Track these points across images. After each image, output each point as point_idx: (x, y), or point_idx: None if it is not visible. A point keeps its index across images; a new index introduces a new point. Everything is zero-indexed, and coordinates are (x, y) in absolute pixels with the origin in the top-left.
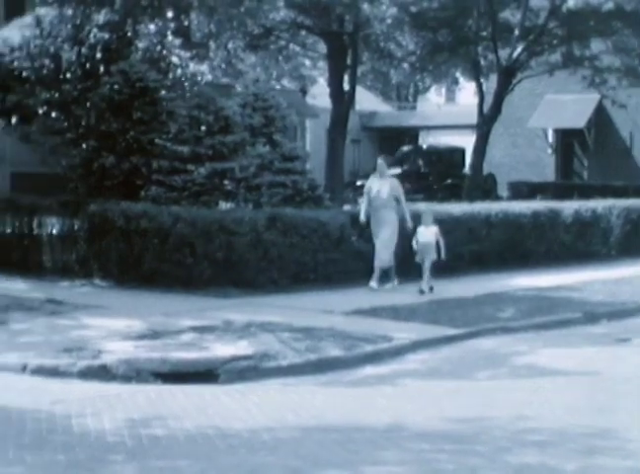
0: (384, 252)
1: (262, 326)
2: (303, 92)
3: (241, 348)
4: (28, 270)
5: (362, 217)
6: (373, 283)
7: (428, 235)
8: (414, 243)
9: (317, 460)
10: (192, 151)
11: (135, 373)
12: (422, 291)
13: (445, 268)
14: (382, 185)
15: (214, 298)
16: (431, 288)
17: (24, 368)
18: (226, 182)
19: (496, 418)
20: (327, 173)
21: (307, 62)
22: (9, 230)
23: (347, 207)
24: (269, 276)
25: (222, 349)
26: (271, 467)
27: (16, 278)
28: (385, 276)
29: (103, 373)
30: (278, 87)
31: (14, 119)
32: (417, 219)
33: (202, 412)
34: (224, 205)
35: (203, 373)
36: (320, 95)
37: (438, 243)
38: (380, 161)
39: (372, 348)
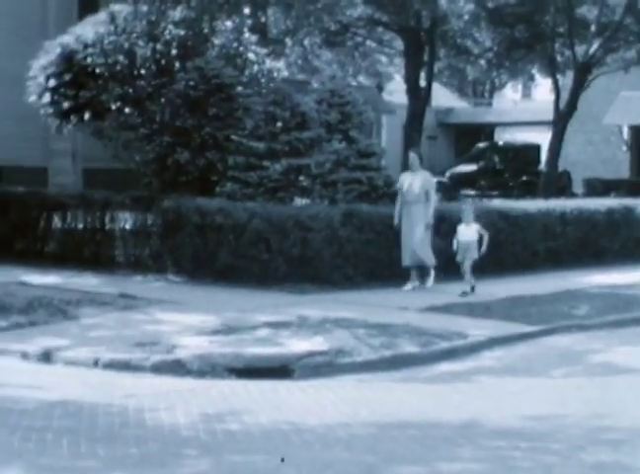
0: (424, 250)
1: (337, 322)
2: (380, 88)
3: (316, 343)
4: (100, 265)
5: (395, 220)
6: (409, 286)
7: (468, 234)
8: (454, 242)
9: (392, 456)
10: (267, 147)
11: (210, 368)
12: (464, 293)
13: (520, 265)
14: (414, 179)
15: (289, 294)
16: (472, 289)
17: (95, 363)
18: (302, 178)
19: (571, 415)
20: (403, 169)
21: (384, 59)
22: (81, 225)
23: None
24: (344, 272)
25: (297, 344)
26: (346, 463)
27: (87, 274)
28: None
29: (177, 368)
30: (354, 83)
31: (87, 116)
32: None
33: (277, 407)
34: (300, 202)
35: (278, 369)
36: (396, 91)
37: (480, 240)
38: (412, 155)
39: (448, 344)
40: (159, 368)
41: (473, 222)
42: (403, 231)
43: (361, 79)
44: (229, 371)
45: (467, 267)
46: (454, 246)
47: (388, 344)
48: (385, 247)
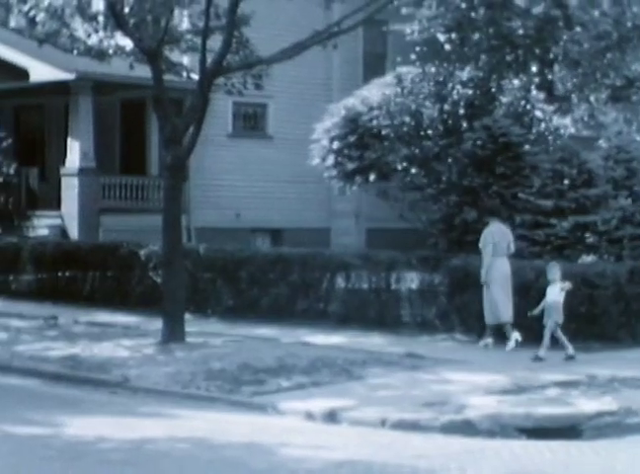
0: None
1: (624, 381)
2: None
3: (605, 403)
4: (385, 325)
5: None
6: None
7: (551, 293)
8: (542, 303)
9: None
10: (555, 205)
11: (499, 428)
12: (537, 358)
13: None
14: None
15: (578, 353)
16: (537, 358)
17: (383, 423)
18: (588, 235)
19: None
20: None
21: None
22: (365, 285)
23: None
24: (630, 330)
25: (586, 404)
26: None
27: (373, 333)
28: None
29: (466, 428)
30: (638, 138)
31: (371, 177)
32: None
33: (569, 468)
34: (586, 259)
35: (568, 429)
36: None
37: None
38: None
39: None
40: (448, 428)
41: (558, 281)
42: None
43: None
44: (519, 431)
45: (554, 330)
46: (542, 307)
47: None
48: None
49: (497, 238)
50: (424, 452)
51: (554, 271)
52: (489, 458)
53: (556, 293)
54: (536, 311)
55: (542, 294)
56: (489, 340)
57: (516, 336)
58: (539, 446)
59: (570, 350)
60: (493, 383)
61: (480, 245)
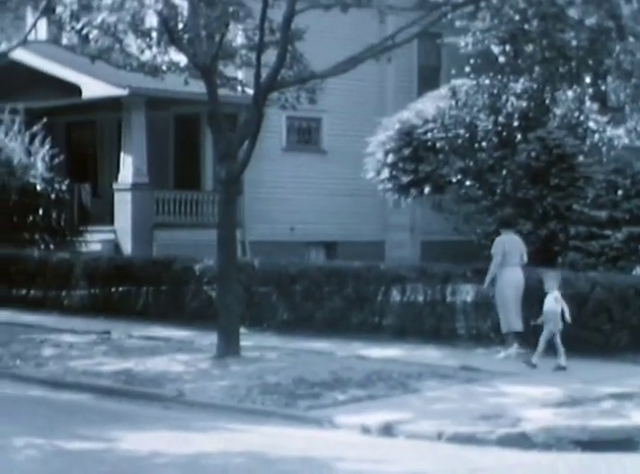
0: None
1: None
2: None
3: None
4: (440, 337)
5: None
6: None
7: (547, 303)
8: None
9: None
10: (609, 216)
11: (555, 441)
12: (530, 364)
13: None
14: None
15: (631, 365)
16: (532, 365)
17: (439, 436)
18: None
19: None
20: None
21: None
22: (421, 298)
23: None
24: None
25: None
26: None
27: (428, 346)
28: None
29: (521, 441)
30: None
31: (426, 189)
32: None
33: None
34: None
35: (623, 441)
36: None
37: (563, 311)
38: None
39: None
40: (504, 442)
41: (556, 291)
42: None
43: None
44: (574, 444)
45: (550, 338)
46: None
47: None
48: None
49: (507, 248)
50: (480, 466)
51: (550, 280)
52: (545, 471)
53: (551, 302)
54: (539, 321)
55: (598, 306)
56: (512, 350)
57: (511, 350)
58: (595, 459)
59: (563, 360)
60: (548, 396)
61: (492, 253)
